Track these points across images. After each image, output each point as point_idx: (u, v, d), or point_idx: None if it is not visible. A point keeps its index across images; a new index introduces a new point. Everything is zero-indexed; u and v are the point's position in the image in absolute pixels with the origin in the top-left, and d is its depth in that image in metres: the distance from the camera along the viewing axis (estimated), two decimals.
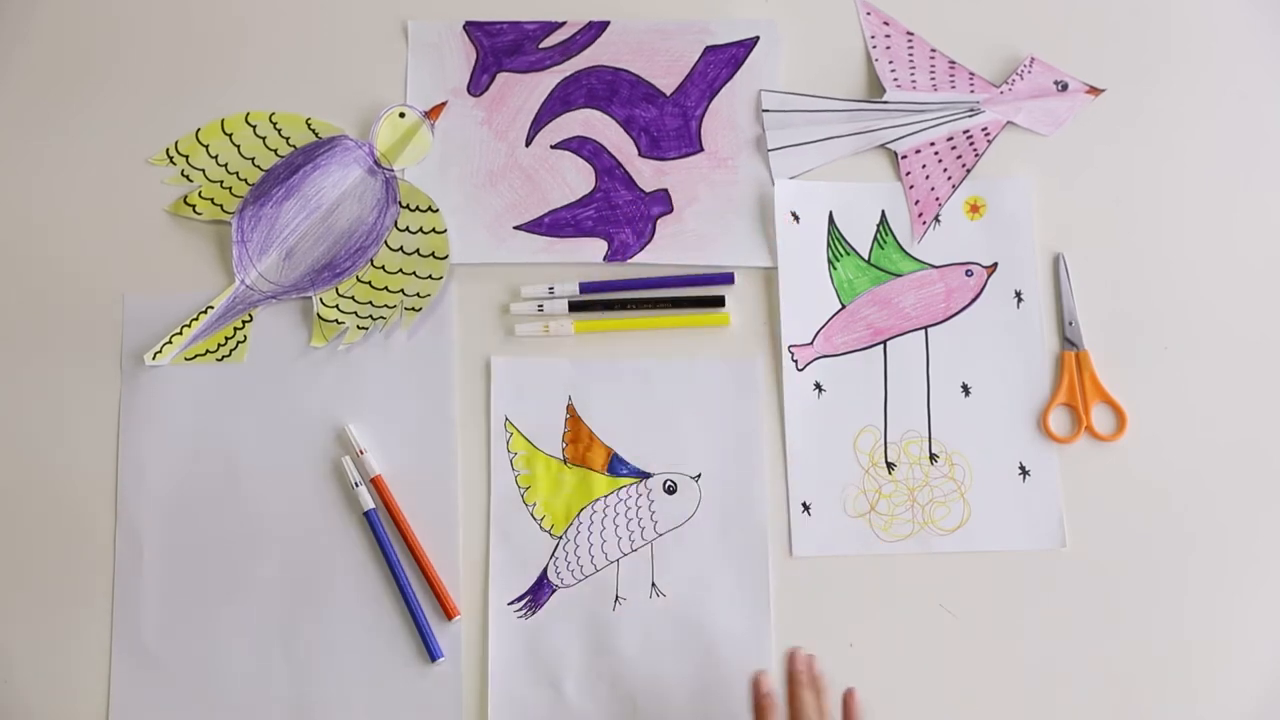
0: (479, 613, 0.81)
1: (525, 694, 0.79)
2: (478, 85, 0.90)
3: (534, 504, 0.82)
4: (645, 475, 0.82)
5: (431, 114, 0.89)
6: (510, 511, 0.82)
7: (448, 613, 0.80)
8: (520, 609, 0.80)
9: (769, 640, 0.80)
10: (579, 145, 0.89)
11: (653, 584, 0.81)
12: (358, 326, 0.85)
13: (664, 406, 0.83)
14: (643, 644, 0.80)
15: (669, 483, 0.82)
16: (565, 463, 0.83)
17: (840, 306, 0.86)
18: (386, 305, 0.86)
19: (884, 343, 0.85)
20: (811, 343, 0.85)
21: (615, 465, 0.82)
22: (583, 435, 0.83)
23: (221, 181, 0.88)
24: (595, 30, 0.91)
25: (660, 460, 0.83)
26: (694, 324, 0.85)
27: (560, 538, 0.82)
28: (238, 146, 0.89)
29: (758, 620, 0.80)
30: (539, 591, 0.81)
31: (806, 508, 0.82)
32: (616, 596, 0.80)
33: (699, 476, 0.82)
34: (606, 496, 0.82)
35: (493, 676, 0.79)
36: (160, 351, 0.84)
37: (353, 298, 0.86)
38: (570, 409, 0.83)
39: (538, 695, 0.79)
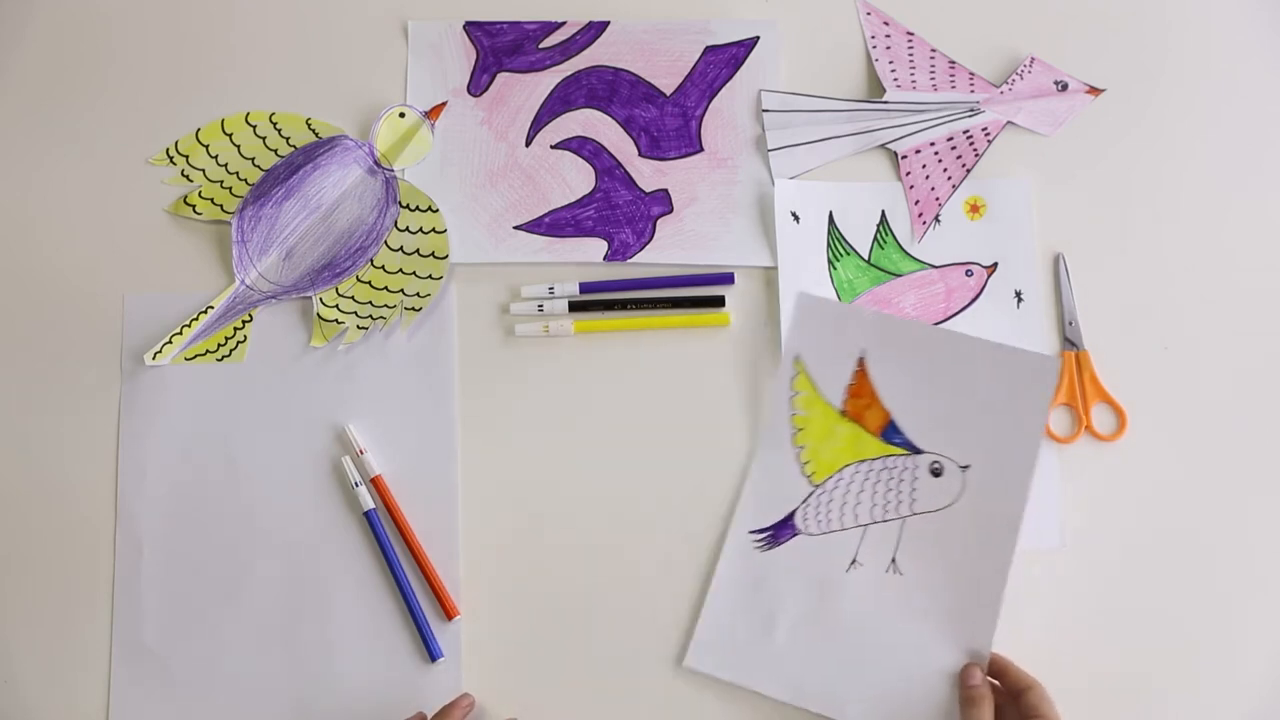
0: (480, 612, 0.81)
1: (736, 622, 0.79)
2: (478, 85, 0.90)
3: (802, 447, 0.82)
4: (916, 450, 0.81)
5: (431, 114, 0.89)
6: (777, 446, 0.82)
7: (448, 613, 0.80)
8: (760, 540, 0.80)
9: (986, 647, 0.78)
10: (579, 145, 0.89)
11: (893, 559, 0.79)
12: (358, 326, 0.85)
13: (953, 387, 0.81)
14: (867, 612, 0.79)
15: (936, 465, 0.80)
16: (842, 414, 0.82)
17: None
18: (386, 305, 0.86)
19: None
20: None
21: (890, 432, 0.81)
22: (866, 392, 0.82)
23: (221, 181, 0.88)
24: (595, 30, 0.91)
25: (934, 440, 0.81)
26: (694, 324, 0.85)
27: (818, 487, 0.81)
28: (238, 146, 0.89)
29: (983, 622, 0.78)
30: (782, 530, 0.81)
31: None
32: (854, 559, 0.80)
33: (967, 468, 0.80)
34: (873, 460, 0.81)
35: (712, 595, 0.80)
36: (160, 351, 0.84)
37: (353, 298, 0.86)
38: (862, 363, 0.82)
39: (749, 627, 0.79)
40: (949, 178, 0.88)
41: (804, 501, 0.81)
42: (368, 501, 0.82)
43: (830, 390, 0.82)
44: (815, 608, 0.79)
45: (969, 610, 0.78)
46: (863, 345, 0.82)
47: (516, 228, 0.88)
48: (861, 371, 0.82)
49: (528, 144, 0.89)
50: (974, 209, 0.88)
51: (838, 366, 0.82)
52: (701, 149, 0.89)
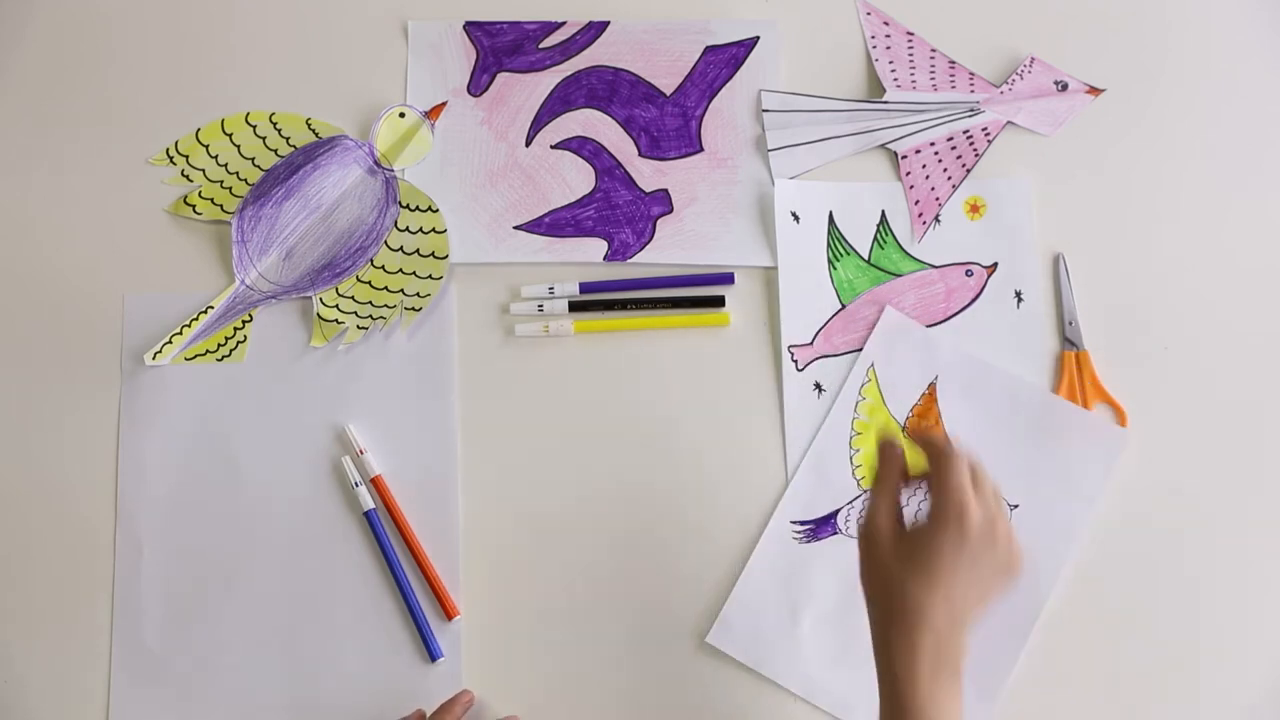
0: (480, 612, 0.81)
1: (764, 607, 0.80)
2: (478, 85, 0.90)
3: (857, 450, 0.82)
4: None
5: (431, 114, 0.89)
6: (834, 446, 0.83)
7: (448, 613, 0.80)
8: (800, 532, 0.81)
9: (1003, 677, 0.78)
10: (579, 145, 0.89)
11: None
12: (358, 326, 0.85)
13: (1018, 431, 0.82)
14: None
15: None
16: (903, 431, 0.83)
17: (840, 306, 0.86)
18: (386, 305, 0.86)
19: None
20: (811, 343, 0.85)
21: None
22: (931, 416, 0.83)
23: (221, 181, 0.88)
24: (595, 30, 0.91)
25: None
26: (694, 324, 0.85)
27: (865, 492, 0.82)
28: (238, 146, 0.89)
29: (1002, 663, 0.79)
30: (822, 527, 0.81)
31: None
32: None
33: (1016, 507, 0.81)
34: (923, 480, 0.81)
35: (744, 578, 0.80)
36: (160, 351, 0.84)
37: (353, 298, 0.86)
38: (932, 388, 0.83)
39: (777, 615, 0.80)
40: (949, 178, 0.88)
41: (849, 503, 0.82)
42: (368, 501, 0.82)
43: (896, 405, 0.83)
44: (841, 609, 0.80)
45: (989, 639, 0.78)
46: (937, 372, 0.83)
47: (516, 228, 0.88)
48: (930, 396, 0.83)
49: (528, 144, 0.89)
50: (974, 209, 0.88)
51: (908, 385, 0.84)
52: (701, 149, 0.89)
